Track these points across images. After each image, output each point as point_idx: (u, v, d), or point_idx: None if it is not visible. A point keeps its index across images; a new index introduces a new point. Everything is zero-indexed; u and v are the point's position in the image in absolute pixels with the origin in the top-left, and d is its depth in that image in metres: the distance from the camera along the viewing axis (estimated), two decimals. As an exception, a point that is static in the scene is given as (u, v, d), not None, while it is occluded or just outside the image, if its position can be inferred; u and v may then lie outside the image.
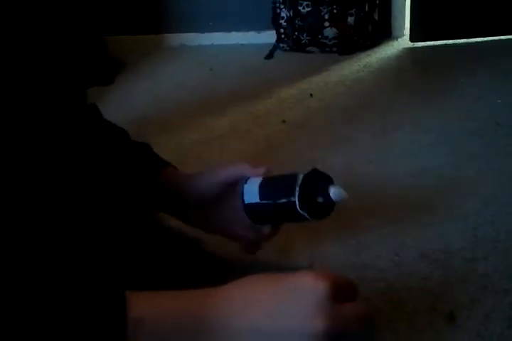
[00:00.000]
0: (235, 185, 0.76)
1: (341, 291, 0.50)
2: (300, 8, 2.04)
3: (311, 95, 1.63)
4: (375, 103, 1.54)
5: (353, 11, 2.01)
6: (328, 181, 0.68)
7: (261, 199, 0.72)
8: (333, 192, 0.65)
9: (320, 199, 0.66)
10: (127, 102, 1.69)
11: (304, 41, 2.09)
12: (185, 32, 2.28)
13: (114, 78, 1.90)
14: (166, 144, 1.34)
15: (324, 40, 2.06)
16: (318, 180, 0.68)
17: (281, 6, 2.09)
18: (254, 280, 0.53)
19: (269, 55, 2.10)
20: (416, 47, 2.07)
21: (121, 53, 2.12)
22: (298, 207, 0.67)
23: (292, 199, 0.67)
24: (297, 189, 0.67)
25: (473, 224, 0.92)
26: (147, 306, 0.49)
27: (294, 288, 0.50)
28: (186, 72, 1.97)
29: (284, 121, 1.44)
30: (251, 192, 0.73)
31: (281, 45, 2.14)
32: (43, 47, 0.72)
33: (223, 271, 0.81)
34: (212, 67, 1.98)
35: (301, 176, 0.68)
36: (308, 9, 2.03)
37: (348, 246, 0.88)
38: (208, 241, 0.89)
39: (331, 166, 1.16)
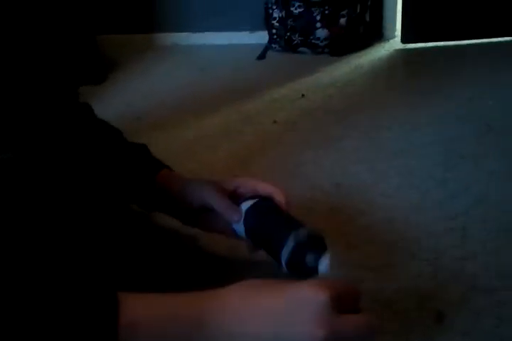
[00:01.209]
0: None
1: (343, 300, 0.50)
2: (292, 8, 2.04)
3: (302, 96, 1.63)
4: (366, 104, 1.55)
5: (344, 12, 2.02)
6: (320, 246, 0.66)
7: (253, 243, 0.73)
8: (323, 265, 0.64)
9: (307, 269, 0.64)
10: (119, 101, 1.69)
11: (295, 42, 2.09)
12: (178, 31, 2.28)
13: (106, 76, 1.89)
14: (157, 143, 1.33)
15: (316, 41, 2.06)
16: (310, 245, 0.66)
17: (274, 7, 2.09)
18: (254, 286, 0.52)
19: (261, 56, 2.10)
20: (407, 49, 2.08)
21: (113, 52, 2.12)
22: (285, 268, 0.66)
23: (282, 262, 0.66)
24: (286, 257, 0.65)
25: (463, 224, 0.92)
26: (142, 310, 0.48)
27: (296, 297, 0.50)
28: (178, 71, 1.97)
29: (275, 122, 1.44)
30: (240, 230, 0.74)
31: (273, 45, 2.15)
32: (35, 46, 0.71)
33: (220, 269, 0.81)
34: (204, 66, 1.98)
35: (291, 244, 0.65)
36: (301, 10, 2.04)
37: (338, 246, 0.88)
38: (204, 239, 0.89)
39: (321, 166, 1.17)
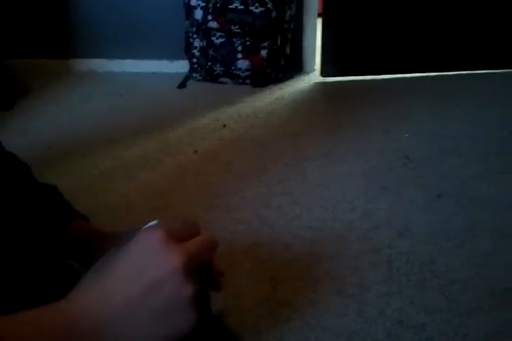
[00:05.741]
0: None
1: (178, 232, 0.52)
2: (213, 38, 2.03)
3: (223, 126, 1.60)
4: (287, 135, 1.54)
5: (265, 44, 2.04)
6: None
7: None
8: None
9: None
10: (29, 128, 1.58)
11: (217, 72, 2.08)
12: (95, 57, 2.20)
13: (14, 103, 1.78)
14: (70, 173, 1.26)
15: (237, 72, 2.06)
16: None
17: (194, 36, 2.07)
18: (100, 263, 0.51)
19: (182, 85, 2.07)
20: (326, 82, 2.12)
21: (25, 77, 2.01)
22: None
23: None
24: None
25: (387, 257, 0.91)
26: (5, 322, 0.45)
27: (135, 246, 0.50)
28: (95, 98, 1.89)
29: (196, 151, 1.40)
30: None
31: (194, 74, 2.12)
32: None
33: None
34: (123, 94, 1.92)
35: None
36: (222, 40, 2.03)
37: (263, 282, 0.84)
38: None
39: (243, 198, 1.14)
